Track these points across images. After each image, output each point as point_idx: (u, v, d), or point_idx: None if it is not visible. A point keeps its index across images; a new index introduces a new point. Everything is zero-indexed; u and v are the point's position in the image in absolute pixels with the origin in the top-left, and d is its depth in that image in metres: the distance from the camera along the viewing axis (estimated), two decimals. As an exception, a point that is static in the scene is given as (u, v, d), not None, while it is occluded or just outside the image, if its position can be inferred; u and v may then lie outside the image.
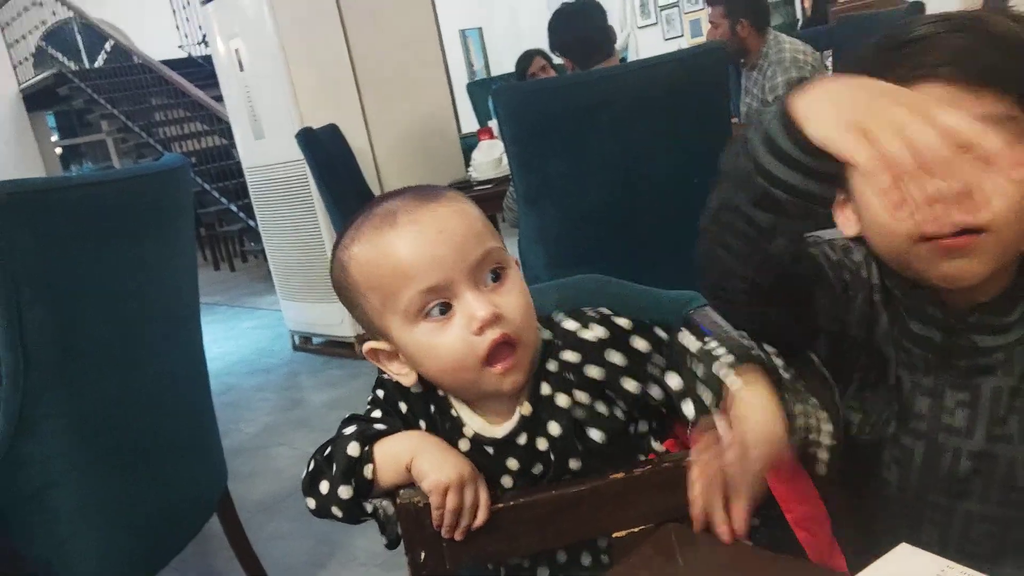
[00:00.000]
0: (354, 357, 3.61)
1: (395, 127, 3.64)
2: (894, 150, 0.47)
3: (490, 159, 2.84)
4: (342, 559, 1.98)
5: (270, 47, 3.38)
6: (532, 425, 0.76)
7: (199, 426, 1.61)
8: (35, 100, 9.44)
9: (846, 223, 0.76)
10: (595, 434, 0.75)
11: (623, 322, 0.77)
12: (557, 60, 3.95)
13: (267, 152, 3.64)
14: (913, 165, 0.47)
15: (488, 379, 0.72)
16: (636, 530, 0.68)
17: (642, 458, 0.76)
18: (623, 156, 1.99)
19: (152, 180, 1.42)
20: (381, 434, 0.77)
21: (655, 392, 0.75)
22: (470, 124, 5.31)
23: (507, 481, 0.77)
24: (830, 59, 3.77)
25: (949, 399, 0.71)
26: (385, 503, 0.76)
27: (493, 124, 3.13)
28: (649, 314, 0.83)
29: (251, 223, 5.99)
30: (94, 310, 1.26)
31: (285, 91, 3.40)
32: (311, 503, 0.79)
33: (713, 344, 0.69)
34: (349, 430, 0.79)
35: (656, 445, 0.79)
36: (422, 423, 0.80)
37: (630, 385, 0.75)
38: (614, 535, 0.70)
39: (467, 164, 3.16)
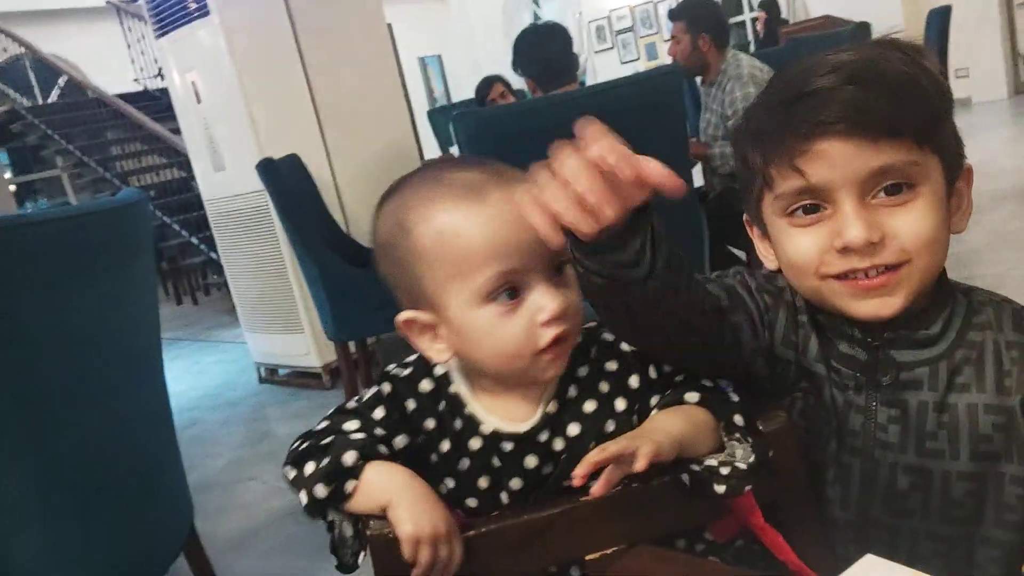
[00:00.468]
0: (321, 388, 3.58)
1: (357, 156, 3.63)
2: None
3: (453, 185, 2.84)
4: (314, 595, 1.94)
5: (227, 78, 3.36)
6: (553, 424, 0.75)
7: (163, 465, 1.58)
8: (-13, 137, 9.28)
9: (766, 256, 0.79)
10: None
11: None
12: (517, 86, 3.99)
13: (227, 184, 3.61)
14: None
15: (536, 366, 0.72)
16: (608, 552, 0.68)
17: None
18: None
19: (110, 216, 1.40)
20: (379, 456, 0.74)
21: None
22: (432, 150, 5.33)
23: (515, 483, 0.75)
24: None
25: (881, 415, 0.73)
26: (346, 524, 0.73)
27: (455, 150, 3.14)
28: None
29: (213, 255, 5.92)
30: (50, 352, 1.23)
31: (243, 122, 3.38)
32: (290, 474, 0.75)
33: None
34: (355, 432, 0.76)
35: None
36: (430, 422, 0.78)
37: (653, 400, 0.75)
38: (587, 558, 0.70)
39: (430, 190, 3.16)
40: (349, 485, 0.71)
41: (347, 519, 0.73)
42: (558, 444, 0.75)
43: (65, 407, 1.27)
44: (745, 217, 0.81)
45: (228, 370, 4.42)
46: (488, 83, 4.25)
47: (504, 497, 0.77)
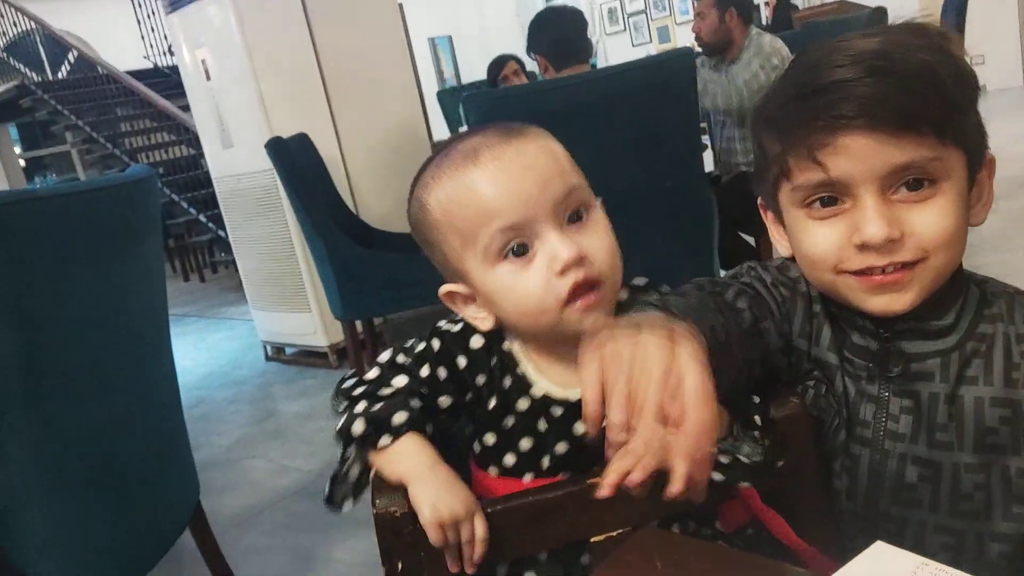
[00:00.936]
0: (328, 367, 3.59)
1: (366, 136, 3.62)
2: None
3: (462, 166, 2.83)
4: (320, 572, 1.95)
5: (237, 56, 3.35)
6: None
7: (170, 443, 1.58)
8: (-3, 112, 9.30)
9: (779, 241, 0.78)
10: None
11: None
12: (530, 68, 3.96)
13: (236, 162, 3.60)
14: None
15: (569, 319, 0.70)
16: (614, 534, 0.68)
17: None
18: (593, 161, 2.00)
19: (119, 191, 1.39)
20: (419, 428, 0.74)
21: None
22: (441, 132, 5.31)
23: (561, 448, 0.75)
24: (796, 63, 3.81)
25: (893, 406, 0.72)
26: (356, 467, 0.74)
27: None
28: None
29: (221, 233, 5.93)
30: (58, 329, 1.23)
31: (253, 100, 3.37)
32: (340, 404, 0.77)
33: None
34: (405, 388, 0.75)
35: None
36: (480, 378, 0.78)
37: None
38: (592, 539, 0.70)
39: (439, 171, 3.15)
40: (385, 439, 0.72)
41: (361, 464, 0.74)
42: None
43: (74, 385, 1.27)
44: (759, 201, 0.79)
45: (235, 347, 4.43)
46: (501, 61, 4.22)
47: (546, 461, 0.76)
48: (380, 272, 2.95)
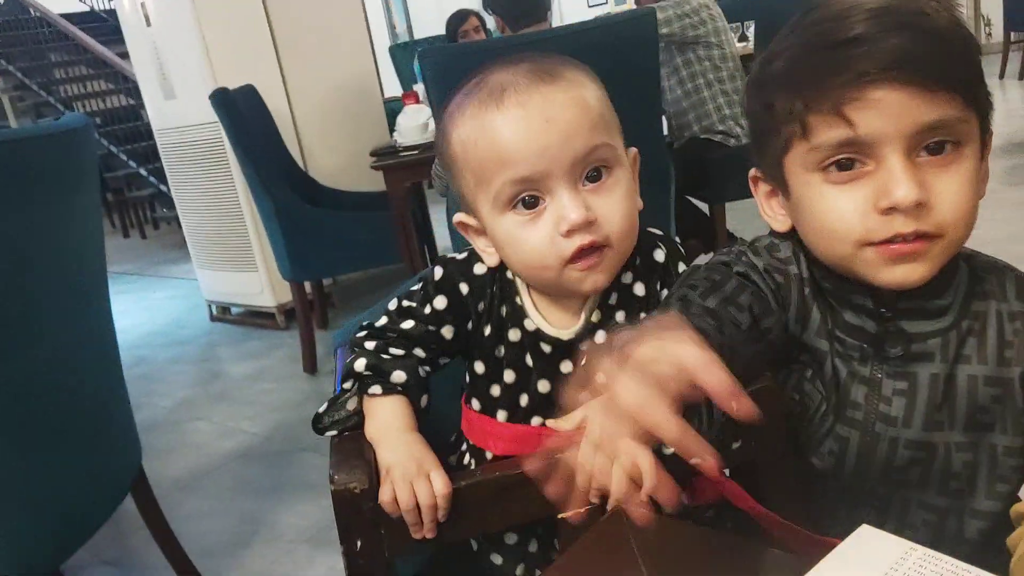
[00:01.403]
0: (275, 328, 3.51)
1: (315, 89, 3.52)
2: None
3: (416, 124, 2.76)
4: (267, 537, 1.92)
5: (179, 1, 3.19)
6: (595, 333, 0.75)
7: (108, 402, 1.52)
8: (-80, 55, 8.78)
9: (773, 217, 0.74)
10: None
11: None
12: (490, 25, 3.87)
13: (179, 113, 3.46)
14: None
15: (568, 277, 0.70)
16: (582, 511, 0.66)
17: None
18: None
19: (52, 141, 1.31)
20: (414, 397, 0.75)
21: None
22: (393, 88, 5.18)
23: (543, 386, 0.76)
24: (752, 29, 3.78)
25: (886, 388, 0.70)
26: (352, 401, 0.75)
27: (419, 88, 3.04)
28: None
29: (163, 188, 5.74)
30: (-14, 281, 1.16)
31: (197, 49, 3.22)
32: (360, 334, 0.80)
33: None
34: (414, 335, 0.78)
35: None
36: (480, 305, 0.78)
37: None
38: (560, 516, 0.68)
39: (391, 129, 3.08)
40: (376, 388, 0.74)
41: (356, 401, 0.75)
42: None
43: (4, 338, 1.20)
44: (752, 173, 0.75)
45: (178, 307, 4.31)
46: (463, 15, 4.10)
47: (524, 399, 0.77)
48: (329, 231, 2.88)
